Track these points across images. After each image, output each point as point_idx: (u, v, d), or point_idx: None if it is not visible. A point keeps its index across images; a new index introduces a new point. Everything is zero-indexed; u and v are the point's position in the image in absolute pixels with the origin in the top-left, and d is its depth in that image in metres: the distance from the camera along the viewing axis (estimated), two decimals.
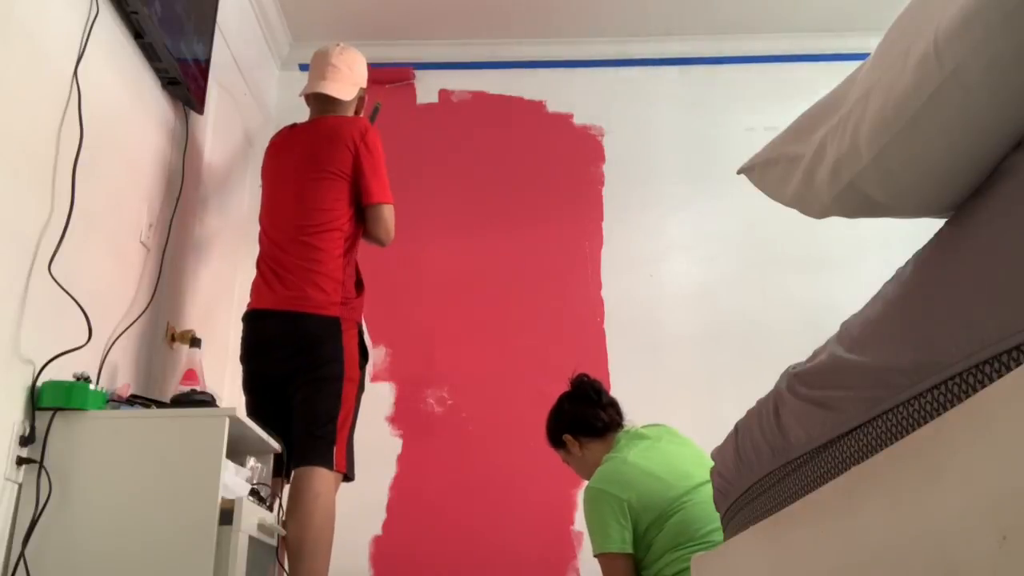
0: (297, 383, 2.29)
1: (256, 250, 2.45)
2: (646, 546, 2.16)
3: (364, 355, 2.42)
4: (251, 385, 2.42)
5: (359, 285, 2.48)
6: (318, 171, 2.42)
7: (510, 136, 3.64)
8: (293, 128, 2.61)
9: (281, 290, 2.34)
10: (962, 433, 0.68)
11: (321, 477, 2.19)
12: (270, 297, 2.36)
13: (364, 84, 2.64)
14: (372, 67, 2.73)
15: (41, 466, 1.74)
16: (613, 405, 2.45)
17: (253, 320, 2.41)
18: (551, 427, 2.48)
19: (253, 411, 2.38)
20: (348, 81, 2.56)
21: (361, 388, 2.39)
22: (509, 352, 3.32)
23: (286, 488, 2.27)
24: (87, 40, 2.01)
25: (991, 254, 0.75)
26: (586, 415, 2.41)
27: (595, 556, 2.26)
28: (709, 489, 2.19)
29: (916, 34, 0.83)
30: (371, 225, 2.46)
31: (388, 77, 3.59)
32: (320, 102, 2.57)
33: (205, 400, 2.06)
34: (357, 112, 2.64)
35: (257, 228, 2.53)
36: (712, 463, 2.27)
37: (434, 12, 3.55)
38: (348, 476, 2.32)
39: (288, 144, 2.57)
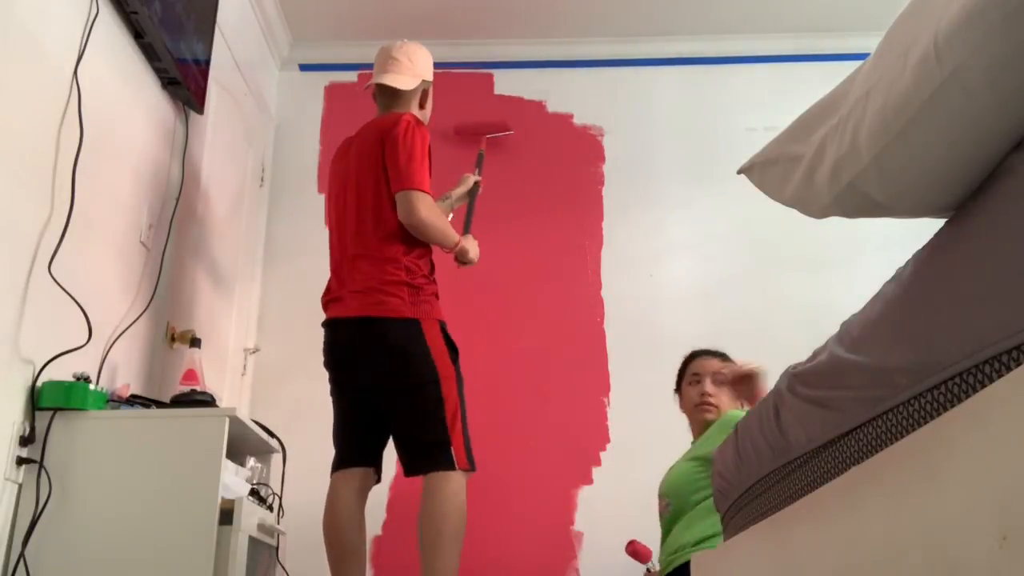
0: (391, 393, 2.26)
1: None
2: None
3: (453, 349, 2.32)
4: (338, 393, 2.38)
5: (432, 282, 2.38)
6: (368, 173, 2.38)
7: (510, 136, 3.64)
8: (352, 136, 2.57)
9: (351, 297, 2.30)
10: (962, 433, 0.68)
11: (449, 479, 2.18)
12: (342, 305, 2.33)
13: (428, 76, 2.61)
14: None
15: (41, 466, 1.74)
16: None
17: (330, 329, 2.38)
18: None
19: (341, 418, 2.36)
20: (408, 72, 2.54)
21: (459, 381, 2.31)
22: (509, 352, 3.32)
23: (344, 481, 2.27)
24: (87, 40, 2.01)
25: (991, 254, 0.75)
26: None
27: None
28: None
29: (916, 34, 0.82)
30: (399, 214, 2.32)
31: (489, 129, 3.57)
32: (384, 96, 2.56)
33: (205, 400, 2.06)
34: (422, 105, 2.60)
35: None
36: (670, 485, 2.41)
37: (433, 12, 3.55)
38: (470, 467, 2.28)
39: (346, 150, 2.54)
